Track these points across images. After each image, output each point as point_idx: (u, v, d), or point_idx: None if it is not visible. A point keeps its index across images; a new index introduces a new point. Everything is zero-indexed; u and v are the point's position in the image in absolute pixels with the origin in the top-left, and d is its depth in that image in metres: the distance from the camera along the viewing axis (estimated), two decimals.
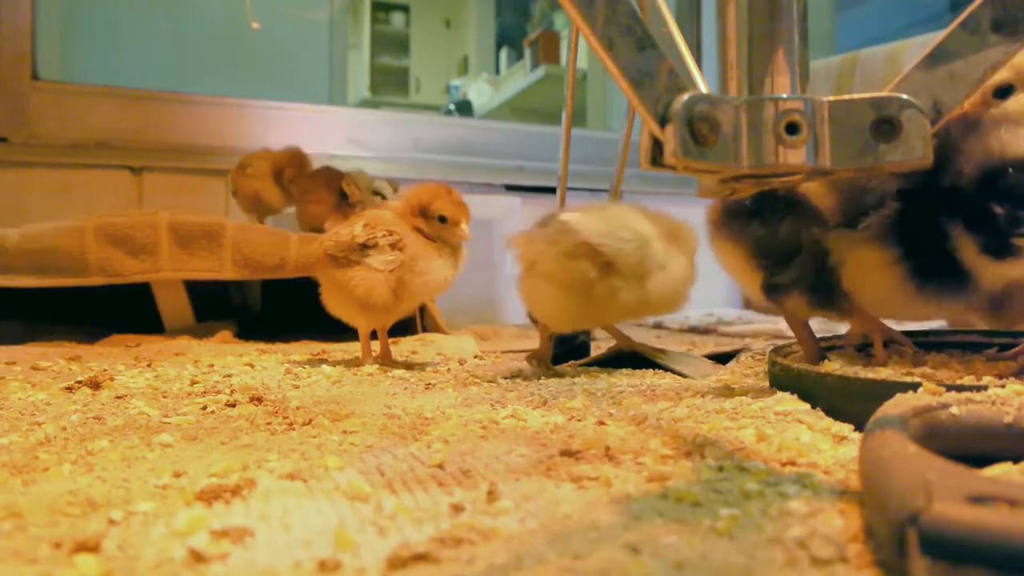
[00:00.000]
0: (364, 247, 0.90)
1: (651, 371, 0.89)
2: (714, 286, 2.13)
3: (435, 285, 0.95)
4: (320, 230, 1.39)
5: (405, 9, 5.53)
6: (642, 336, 1.36)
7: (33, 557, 0.34)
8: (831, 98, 0.41)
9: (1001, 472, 0.42)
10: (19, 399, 0.71)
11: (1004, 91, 0.70)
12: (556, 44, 4.10)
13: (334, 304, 0.96)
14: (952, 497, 0.29)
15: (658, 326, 1.65)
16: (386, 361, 0.97)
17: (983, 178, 0.61)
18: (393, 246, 0.91)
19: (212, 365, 0.94)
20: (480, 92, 4.86)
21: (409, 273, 0.91)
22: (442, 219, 0.93)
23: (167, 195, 1.60)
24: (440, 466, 0.48)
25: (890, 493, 0.32)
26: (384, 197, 1.59)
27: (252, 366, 0.94)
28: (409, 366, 0.95)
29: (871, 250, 0.68)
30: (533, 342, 1.10)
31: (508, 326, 1.63)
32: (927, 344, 0.79)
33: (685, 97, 0.40)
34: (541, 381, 0.82)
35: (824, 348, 0.80)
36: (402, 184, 1.65)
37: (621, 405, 0.67)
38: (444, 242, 0.94)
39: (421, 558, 0.34)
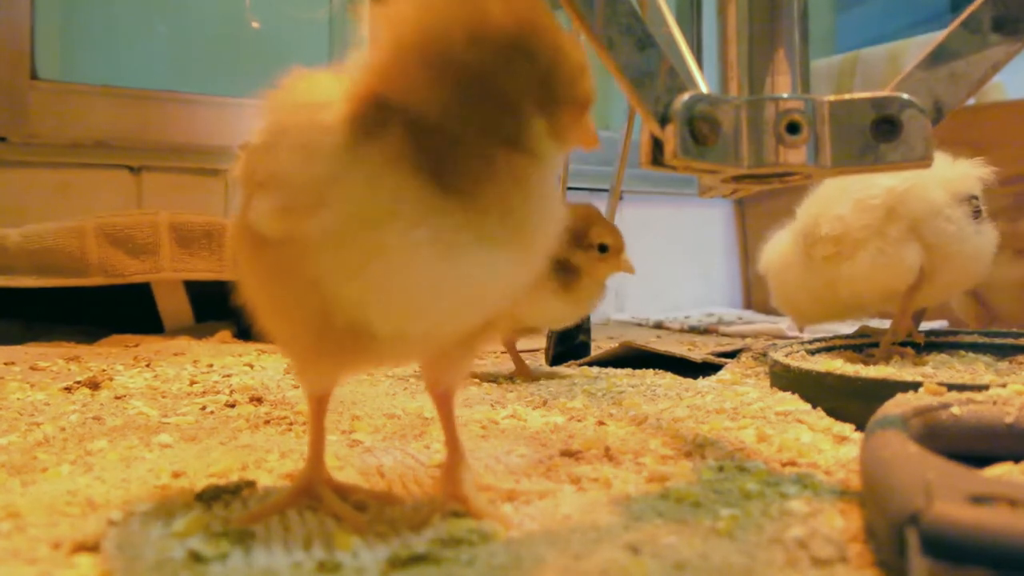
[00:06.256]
0: None
1: (651, 371, 0.89)
2: (714, 286, 2.12)
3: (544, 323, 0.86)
4: None
5: None
6: (643, 336, 1.36)
7: (32, 557, 0.34)
8: (832, 98, 0.41)
9: (1002, 472, 0.41)
10: (18, 399, 0.70)
11: None
12: None
13: None
14: (953, 497, 0.29)
15: (658, 326, 1.65)
16: (526, 375, 0.86)
17: None
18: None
19: (211, 365, 0.93)
20: None
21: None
22: (603, 248, 0.80)
23: (166, 195, 1.59)
24: (440, 466, 0.48)
25: (891, 493, 0.32)
26: None
27: (251, 366, 0.93)
28: (536, 378, 0.85)
29: None
30: (532, 342, 1.10)
31: None
32: (928, 344, 0.79)
33: (685, 97, 0.40)
34: (541, 381, 0.82)
35: (823, 348, 0.81)
36: None
37: (621, 405, 0.67)
38: (588, 274, 0.81)
39: (421, 559, 0.34)
